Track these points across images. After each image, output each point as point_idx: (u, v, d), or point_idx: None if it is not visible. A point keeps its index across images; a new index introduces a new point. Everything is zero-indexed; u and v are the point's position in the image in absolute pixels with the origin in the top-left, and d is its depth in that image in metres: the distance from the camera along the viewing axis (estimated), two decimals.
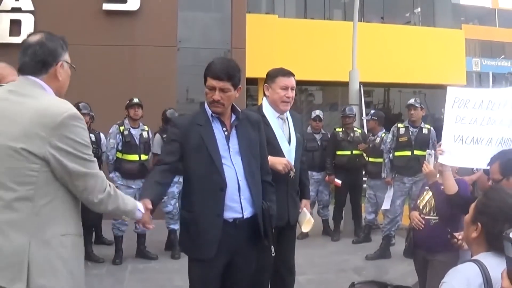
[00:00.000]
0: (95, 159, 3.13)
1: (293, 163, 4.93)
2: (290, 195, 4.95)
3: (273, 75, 5.07)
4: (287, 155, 4.92)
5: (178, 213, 8.71)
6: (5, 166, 2.87)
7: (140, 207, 3.58)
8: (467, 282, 2.50)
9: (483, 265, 2.55)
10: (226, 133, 4.18)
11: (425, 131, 9.13)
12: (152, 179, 4.14)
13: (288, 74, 5.05)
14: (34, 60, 3.07)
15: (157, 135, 9.14)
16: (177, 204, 8.88)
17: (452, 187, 4.98)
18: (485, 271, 2.52)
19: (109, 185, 3.18)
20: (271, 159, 4.67)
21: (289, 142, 5.01)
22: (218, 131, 4.16)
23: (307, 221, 5.16)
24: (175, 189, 8.76)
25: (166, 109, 9.44)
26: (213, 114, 4.16)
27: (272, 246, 4.32)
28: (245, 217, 4.14)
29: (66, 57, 3.22)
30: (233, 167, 4.11)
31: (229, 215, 4.08)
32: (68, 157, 2.93)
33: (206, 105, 4.21)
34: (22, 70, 3.08)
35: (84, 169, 3.00)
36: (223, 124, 4.18)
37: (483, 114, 4.91)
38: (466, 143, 4.95)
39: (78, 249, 3.13)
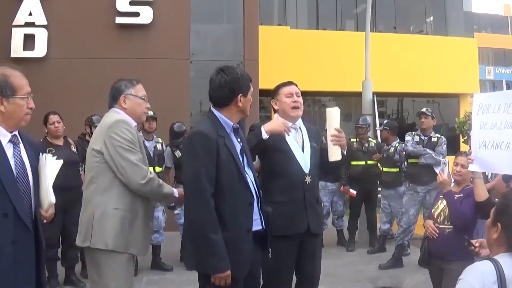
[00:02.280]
0: (137, 151, 4.31)
1: (308, 170, 4.90)
2: (309, 202, 4.85)
3: (276, 89, 5.12)
4: (301, 162, 4.88)
5: None
6: (88, 162, 4.32)
7: (175, 193, 4.43)
8: (482, 278, 2.53)
9: (499, 263, 2.57)
10: (241, 144, 4.17)
11: (434, 139, 9.14)
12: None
13: (289, 83, 5.09)
14: (109, 96, 4.67)
15: (168, 148, 9.18)
16: None
17: (482, 194, 5.00)
18: (500, 270, 2.54)
19: (150, 173, 4.28)
20: (267, 125, 4.67)
21: (303, 149, 4.97)
22: (236, 143, 4.12)
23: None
24: None
25: (173, 123, 9.48)
26: (233, 125, 4.11)
27: (270, 249, 4.31)
28: (263, 228, 4.17)
29: (131, 91, 4.57)
30: (249, 179, 4.10)
31: (253, 228, 4.08)
32: (111, 148, 4.19)
33: (220, 115, 4.12)
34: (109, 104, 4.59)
35: (123, 158, 4.17)
36: (237, 135, 4.16)
37: (501, 118, 4.89)
38: (488, 148, 4.94)
39: (126, 220, 4.19)
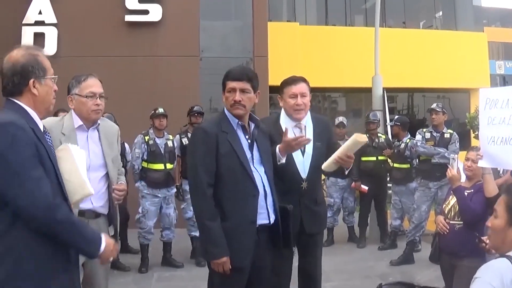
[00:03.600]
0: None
1: (306, 175, 4.91)
2: (304, 205, 4.89)
3: (282, 86, 5.09)
4: (300, 167, 4.89)
5: None
6: None
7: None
8: (500, 276, 2.47)
9: None
10: (249, 141, 4.25)
11: (447, 135, 9.12)
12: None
13: (296, 81, 5.02)
14: None
15: (177, 136, 9.23)
16: None
17: (491, 190, 5.00)
18: None
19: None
20: (282, 148, 4.57)
21: (303, 153, 4.94)
22: (242, 139, 4.22)
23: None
24: None
25: (192, 106, 9.56)
26: (239, 122, 4.22)
27: (294, 248, 4.36)
28: (271, 223, 4.22)
29: (76, 90, 4.39)
30: (258, 174, 4.19)
31: (259, 221, 4.15)
32: None
33: (228, 112, 4.26)
34: None
35: None
36: (245, 132, 4.25)
37: (509, 113, 4.89)
38: (497, 144, 4.94)
39: None
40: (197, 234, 8.88)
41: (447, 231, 5.25)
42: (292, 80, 5.03)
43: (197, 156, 4.14)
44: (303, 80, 5.06)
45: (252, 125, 4.31)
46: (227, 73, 4.26)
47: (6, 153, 2.84)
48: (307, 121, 5.08)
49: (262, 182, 4.20)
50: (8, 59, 3.15)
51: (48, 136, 3.26)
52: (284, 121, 5.02)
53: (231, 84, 4.19)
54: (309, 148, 4.96)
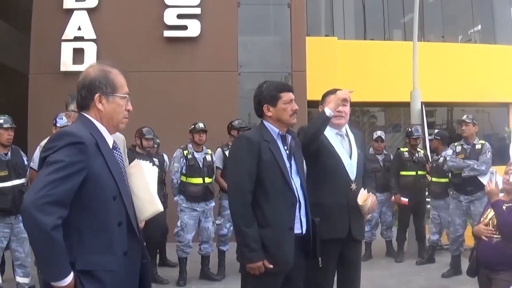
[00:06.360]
0: None
1: (354, 177, 4.96)
2: (352, 208, 4.88)
3: (324, 96, 5.18)
4: (348, 168, 4.95)
5: (231, 236, 8.84)
6: None
7: None
8: None
9: None
10: (287, 151, 4.35)
11: (478, 146, 9.03)
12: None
13: (337, 90, 5.04)
14: None
15: (218, 149, 9.24)
16: (231, 228, 8.96)
17: None
18: None
19: None
20: (328, 105, 4.78)
21: (350, 156, 5.02)
22: (282, 149, 4.33)
23: (363, 195, 4.89)
24: None
25: (232, 121, 9.54)
26: (279, 132, 4.34)
27: (320, 258, 4.41)
28: (303, 233, 4.31)
29: (71, 106, 4.20)
30: (294, 185, 4.27)
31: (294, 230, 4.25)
32: None
33: (267, 123, 4.40)
34: None
35: None
36: (284, 142, 4.35)
37: None
38: None
39: None
40: (224, 248, 9.00)
41: (493, 234, 5.22)
42: (335, 90, 5.10)
43: (239, 162, 4.26)
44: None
45: (289, 137, 4.42)
46: (279, 85, 4.47)
47: (52, 155, 2.87)
48: (347, 130, 5.19)
49: (297, 193, 4.29)
50: (83, 73, 3.22)
51: (118, 152, 3.24)
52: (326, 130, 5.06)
53: (289, 95, 4.38)
54: (354, 153, 5.07)
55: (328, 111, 4.68)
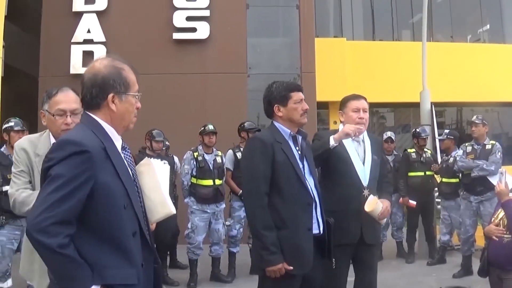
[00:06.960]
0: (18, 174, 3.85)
1: (367, 183, 4.96)
2: (365, 214, 4.87)
3: (345, 101, 5.22)
4: (360, 174, 4.97)
5: (241, 238, 8.86)
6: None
7: None
8: None
9: None
10: (299, 152, 4.36)
11: (488, 146, 9.02)
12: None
13: (359, 97, 5.17)
14: None
15: (230, 151, 9.26)
16: (241, 229, 9.01)
17: None
18: None
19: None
20: (336, 134, 4.80)
21: (364, 163, 5.03)
22: (294, 150, 4.34)
23: (371, 201, 4.84)
24: (241, 213, 8.86)
25: (243, 122, 9.57)
26: (291, 133, 4.36)
27: (334, 259, 4.41)
28: (321, 232, 4.33)
29: (45, 106, 3.97)
30: (308, 184, 4.28)
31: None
32: None
33: (278, 124, 4.41)
34: None
35: None
36: (295, 143, 4.37)
37: None
38: None
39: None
40: (234, 250, 9.00)
41: (504, 234, 5.22)
42: (355, 96, 5.20)
43: (254, 164, 4.24)
44: (365, 98, 5.24)
45: (300, 137, 4.43)
46: (289, 85, 4.49)
47: (54, 168, 2.63)
48: (364, 136, 5.20)
49: (312, 193, 4.30)
50: (90, 68, 2.98)
51: (128, 152, 3.00)
52: None
53: (299, 95, 4.41)
54: (368, 159, 5.08)
55: (332, 141, 4.72)
